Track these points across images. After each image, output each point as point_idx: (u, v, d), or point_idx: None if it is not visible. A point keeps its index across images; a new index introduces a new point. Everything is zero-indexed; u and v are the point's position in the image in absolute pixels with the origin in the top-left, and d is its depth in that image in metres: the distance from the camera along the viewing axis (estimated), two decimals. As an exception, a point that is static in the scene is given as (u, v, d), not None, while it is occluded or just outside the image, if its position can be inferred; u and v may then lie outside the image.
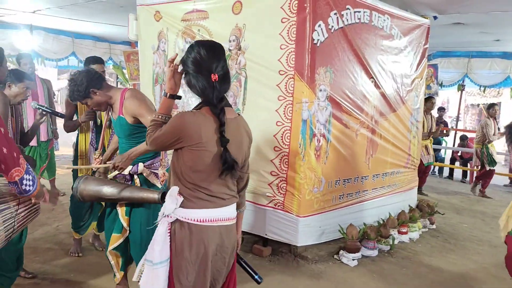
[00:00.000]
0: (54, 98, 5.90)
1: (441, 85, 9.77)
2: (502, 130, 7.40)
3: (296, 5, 3.76)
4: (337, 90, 4.15)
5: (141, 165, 2.90)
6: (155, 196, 2.66)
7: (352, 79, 4.33)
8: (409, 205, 5.47)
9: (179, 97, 1.99)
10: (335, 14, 4.00)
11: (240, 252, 2.26)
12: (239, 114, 2.02)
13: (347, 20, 4.16)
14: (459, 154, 9.94)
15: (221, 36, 4.27)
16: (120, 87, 2.85)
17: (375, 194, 4.88)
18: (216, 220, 1.90)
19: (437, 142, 9.47)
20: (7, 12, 7.14)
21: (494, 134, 7.49)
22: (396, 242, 4.64)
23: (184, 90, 4.73)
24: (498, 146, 8.50)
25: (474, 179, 7.99)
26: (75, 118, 3.99)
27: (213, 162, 1.85)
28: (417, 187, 5.90)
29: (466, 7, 5.60)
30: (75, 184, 2.83)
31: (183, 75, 1.92)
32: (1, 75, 2.81)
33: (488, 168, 7.58)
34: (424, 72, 5.67)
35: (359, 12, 4.30)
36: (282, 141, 3.94)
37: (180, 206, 1.87)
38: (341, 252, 4.21)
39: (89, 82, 2.76)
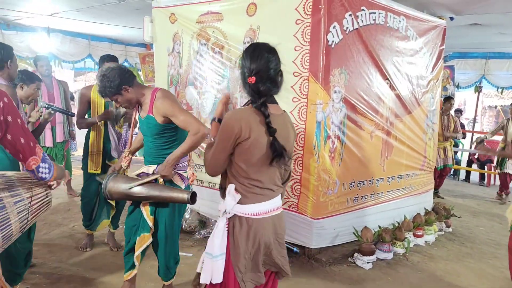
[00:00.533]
0: (72, 100, 5.96)
1: (457, 86, 9.67)
2: None
3: (310, 7, 3.75)
4: (351, 91, 4.12)
5: None
6: (184, 196, 2.68)
7: (367, 80, 4.30)
8: (425, 208, 5.40)
9: None
10: (350, 15, 3.98)
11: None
12: (284, 111, 2.17)
13: (362, 21, 4.13)
14: (476, 156, 9.79)
15: (236, 38, 4.29)
16: (148, 86, 2.91)
17: (390, 196, 4.84)
18: (268, 212, 2.08)
19: (454, 144, 9.33)
20: (25, 15, 7.26)
21: None
22: (411, 245, 4.59)
23: (198, 92, 4.78)
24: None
25: (499, 189, 7.76)
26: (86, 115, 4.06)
27: (264, 152, 2.00)
28: (433, 189, 5.83)
29: (484, 8, 5.52)
30: (104, 181, 2.85)
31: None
32: (12, 73, 2.84)
33: (498, 171, 7.44)
34: (440, 73, 5.60)
35: (374, 13, 4.27)
36: (297, 143, 3.93)
37: (237, 203, 2.03)
38: (356, 254, 4.19)
39: (122, 79, 2.76)
